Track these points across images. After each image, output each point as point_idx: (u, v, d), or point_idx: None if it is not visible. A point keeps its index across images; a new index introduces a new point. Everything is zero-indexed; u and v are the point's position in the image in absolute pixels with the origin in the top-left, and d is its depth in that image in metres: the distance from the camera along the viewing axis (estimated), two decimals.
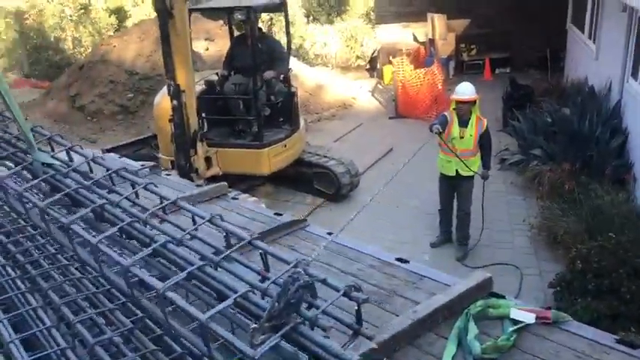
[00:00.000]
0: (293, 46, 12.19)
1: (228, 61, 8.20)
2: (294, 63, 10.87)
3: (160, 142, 7.92)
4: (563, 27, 13.54)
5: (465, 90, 6.32)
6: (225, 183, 4.63)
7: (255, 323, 1.41)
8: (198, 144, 7.08)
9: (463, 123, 6.31)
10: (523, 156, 8.79)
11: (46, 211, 1.96)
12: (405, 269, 2.97)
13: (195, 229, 1.90)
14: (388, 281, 2.85)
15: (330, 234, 3.48)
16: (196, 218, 2.01)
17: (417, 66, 13.16)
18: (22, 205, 2.16)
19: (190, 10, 7.28)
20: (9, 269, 2.82)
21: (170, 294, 1.54)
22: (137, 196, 2.10)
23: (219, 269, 1.71)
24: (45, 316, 2.39)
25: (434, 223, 7.00)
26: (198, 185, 5.03)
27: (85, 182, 2.15)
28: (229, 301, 1.48)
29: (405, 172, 8.98)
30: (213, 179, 6.84)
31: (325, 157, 8.38)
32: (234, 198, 4.44)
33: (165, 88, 7.02)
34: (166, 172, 5.55)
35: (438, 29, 14.77)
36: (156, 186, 2.14)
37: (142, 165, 5.27)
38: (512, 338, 2.28)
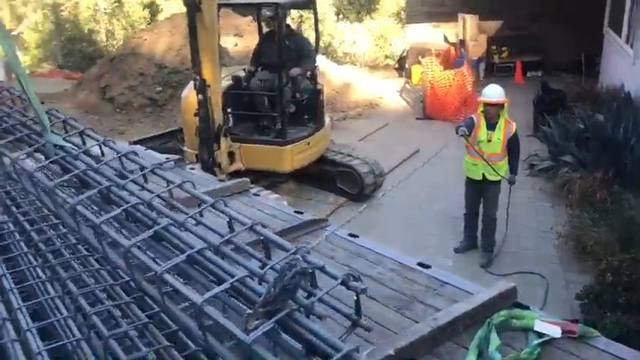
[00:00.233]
0: (322, 44, 12.19)
1: (256, 57, 8.20)
2: (321, 61, 10.86)
3: (185, 135, 7.96)
4: (599, 31, 13.23)
5: (494, 92, 6.20)
6: (248, 179, 4.62)
7: (251, 309, 1.40)
8: (222, 139, 7.09)
9: (491, 126, 6.20)
10: (553, 162, 8.61)
11: (55, 191, 1.95)
12: (426, 274, 2.91)
13: (201, 215, 1.88)
14: (409, 286, 2.80)
15: (351, 235, 3.43)
16: (201, 204, 1.98)
17: (447, 67, 13.00)
18: (33, 185, 2.17)
19: (219, 5, 7.30)
20: (30, 257, 2.84)
21: (167, 276, 1.53)
22: (146, 180, 2.08)
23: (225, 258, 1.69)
24: (62, 305, 2.40)
25: (458, 228, 6.89)
26: (220, 180, 5.02)
27: (94, 164, 2.14)
28: (225, 285, 1.47)
29: (432, 175, 8.91)
30: (235, 174, 6.84)
31: (349, 155, 8.32)
32: (255, 194, 4.42)
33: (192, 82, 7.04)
34: (191, 166, 5.56)
35: (469, 30, 14.59)
36: (163, 169, 2.12)
37: (167, 158, 5.29)
38: (536, 352, 2.21)
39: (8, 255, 2.87)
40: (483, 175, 6.28)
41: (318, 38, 8.43)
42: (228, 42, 12.88)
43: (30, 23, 20.74)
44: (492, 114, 6.17)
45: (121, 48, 15.00)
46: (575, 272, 6.11)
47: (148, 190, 2.06)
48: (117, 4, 20.07)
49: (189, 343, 2.12)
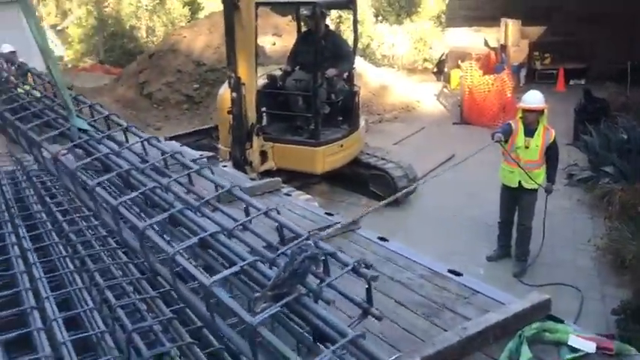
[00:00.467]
0: (360, 46, 12.12)
1: (293, 56, 8.19)
2: (359, 62, 10.79)
3: (220, 133, 8.00)
4: None
5: (533, 98, 6.06)
6: (279, 178, 4.61)
7: (259, 292, 1.40)
8: (255, 137, 7.09)
9: (529, 132, 6.05)
10: (593, 173, 8.37)
11: (76, 174, 1.98)
12: (457, 282, 2.83)
13: (218, 199, 1.88)
14: (438, 293, 2.73)
15: (381, 239, 3.38)
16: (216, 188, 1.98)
17: (487, 72, 12.79)
18: (56, 167, 2.21)
19: (257, 4, 7.30)
20: (61, 247, 2.88)
21: (179, 258, 1.53)
22: (167, 165, 2.07)
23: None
24: (89, 297, 2.41)
25: (492, 236, 6.75)
26: (251, 179, 5.01)
27: (117, 148, 2.16)
28: (235, 268, 1.47)
29: (467, 181, 8.75)
30: (267, 174, 6.84)
31: (383, 159, 8.24)
32: (286, 194, 4.40)
33: None
34: (224, 163, 5.58)
35: (510, 35, 14.34)
36: (183, 155, 2.12)
37: (201, 155, 5.31)
38: None
39: (40, 244, 2.92)
40: (519, 182, 6.14)
41: (356, 39, 8.37)
42: (267, 41, 12.94)
43: (74, 18, 21.25)
44: (531, 120, 6.03)
45: (160, 44, 15.23)
46: (612, 286, 5.92)
47: (167, 175, 2.06)
48: (158, 1, 20.42)
49: (214, 341, 2.11)
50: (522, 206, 6.29)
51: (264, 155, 7.38)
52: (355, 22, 8.32)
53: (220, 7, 6.86)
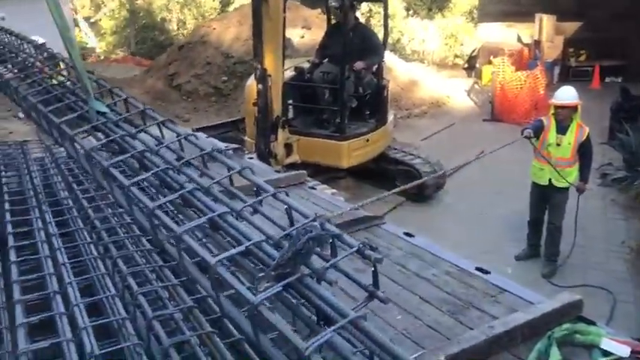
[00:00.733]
0: (390, 40, 11.99)
1: (321, 49, 8.12)
2: (389, 57, 10.67)
3: (246, 125, 8.00)
4: None
5: (566, 94, 5.90)
6: (305, 171, 4.57)
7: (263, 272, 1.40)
8: (280, 130, 7.06)
9: (561, 130, 5.90)
10: (628, 172, 8.15)
11: (91, 154, 2.01)
12: (484, 280, 2.76)
13: (231, 181, 1.89)
14: (465, 291, 2.66)
15: (407, 234, 3.31)
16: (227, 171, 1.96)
17: (519, 68, 12.56)
18: (74, 148, 2.24)
19: None
20: (86, 234, 2.89)
21: (186, 237, 1.53)
22: (182, 148, 2.08)
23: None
24: (111, 283, 2.41)
25: (521, 235, 6.61)
26: (276, 171, 4.99)
27: (131, 130, 2.18)
28: (240, 248, 1.47)
29: (496, 178, 8.61)
30: (292, 167, 6.81)
31: (411, 154, 8.13)
32: (312, 187, 4.36)
33: None
34: (249, 155, 5.57)
35: (545, 31, 14.04)
36: (197, 137, 2.11)
37: (227, 146, 5.31)
38: None
39: (65, 230, 2.94)
40: (550, 180, 6.00)
41: (386, 33, 8.26)
42: (295, 34, 12.90)
43: (107, 11, 21.56)
44: (564, 117, 5.87)
45: (189, 36, 15.33)
46: None
47: (182, 157, 2.05)
48: None
49: (234, 331, 2.08)
50: (553, 205, 6.14)
51: (289, 148, 7.35)
52: (386, 15, 8.21)
53: (250, 1, 6.84)
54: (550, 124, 5.95)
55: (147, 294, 2.26)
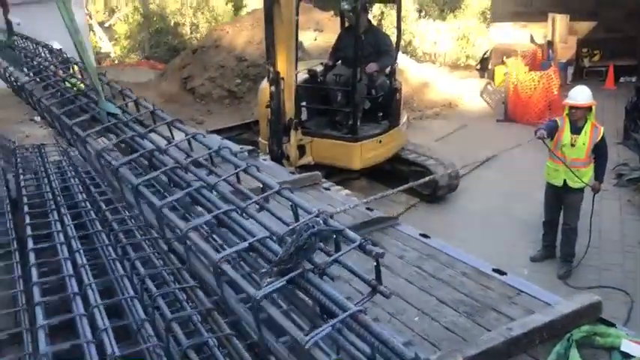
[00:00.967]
0: (402, 42, 11.95)
1: (334, 51, 8.13)
2: (401, 58, 10.65)
3: (260, 126, 8.03)
4: None
5: (580, 94, 5.85)
6: (319, 173, 4.58)
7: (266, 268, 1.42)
8: (292, 131, 7.08)
9: (576, 130, 5.85)
10: None
11: (102, 154, 2.04)
12: (501, 281, 2.75)
13: (238, 179, 1.90)
14: (482, 292, 2.65)
15: (422, 235, 3.31)
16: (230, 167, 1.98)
17: (533, 69, 12.46)
18: (85, 148, 2.27)
19: None
20: (104, 236, 2.92)
21: (192, 234, 1.55)
22: (191, 148, 2.12)
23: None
24: (130, 285, 2.44)
25: (536, 236, 6.56)
26: (291, 172, 5.00)
27: (140, 130, 2.21)
28: (244, 244, 1.49)
29: (510, 179, 8.55)
30: (306, 168, 6.82)
31: (424, 155, 8.11)
32: (326, 189, 4.37)
33: None
34: (263, 157, 5.59)
35: (558, 31, 13.92)
36: (204, 136, 2.14)
37: (241, 148, 5.34)
38: None
39: (84, 232, 2.97)
40: (565, 181, 5.95)
41: (399, 35, 8.26)
42: (308, 37, 12.93)
43: (121, 16, 21.73)
44: (578, 117, 5.83)
45: (203, 40, 15.40)
46: None
47: (189, 156, 2.07)
48: None
49: (252, 332, 2.09)
50: (567, 205, 6.09)
51: (301, 149, 7.37)
52: (399, 17, 8.20)
53: (262, 3, 6.87)
54: (564, 124, 5.91)
55: (165, 296, 2.29)
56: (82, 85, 2.91)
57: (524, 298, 2.60)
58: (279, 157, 6.99)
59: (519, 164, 8.69)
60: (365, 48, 7.43)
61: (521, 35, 15.36)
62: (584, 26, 14.52)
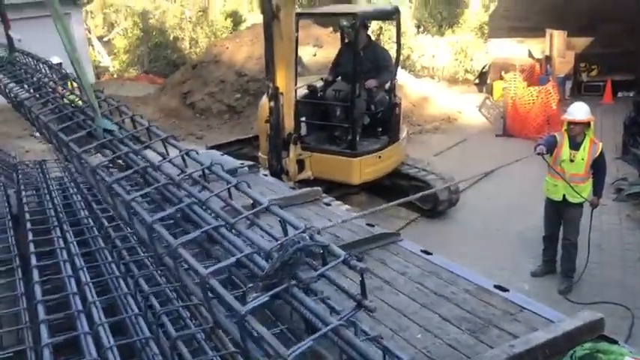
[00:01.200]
0: (401, 57, 12.03)
1: (334, 67, 8.20)
2: (399, 73, 10.73)
3: (260, 141, 8.06)
4: None
5: (578, 110, 5.90)
6: (320, 188, 4.59)
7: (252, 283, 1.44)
8: (292, 146, 7.12)
9: (575, 145, 5.89)
10: None
11: (97, 171, 2.07)
12: (503, 298, 2.75)
13: (229, 194, 1.92)
14: (484, 309, 2.65)
15: (424, 252, 3.31)
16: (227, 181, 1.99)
17: (531, 84, 12.56)
18: (80, 164, 2.30)
19: (299, 15, 7.33)
20: (107, 253, 2.92)
21: (181, 250, 1.57)
22: (185, 164, 2.14)
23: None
24: (134, 302, 2.44)
25: (536, 251, 6.58)
26: (291, 187, 5.02)
27: (135, 147, 2.24)
28: (231, 260, 1.51)
29: (510, 194, 8.58)
30: (305, 183, 6.84)
31: (424, 170, 8.14)
32: (326, 204, 4.38)
33: None
34: (264, 172, 5.61)
35: (556, 46, 14.04)
36: (197, 152, 2.16)
37: (242, 163, 5.36)
38: None
39: (87, 250, 2.97)
40: (564, 196, 5.98)
41: (399, 51, 8.34)
42: (307, 52, 13.02)
43: (120, 30, 21.86)
44: (577, 133, 5.88)
45: (203, 55, 15.50)
46: None
47: (183, 172, 2.09)
48: (201, 13, 20.83)
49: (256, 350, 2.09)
50: (567, 220, 6.12)
51: (301, 164, 7.40)
52: (398, 33, 8.27)
53: (262, 19, 6.93)
54: (563, 140, 5.95)
55: (169, 313, 2.29)
56: (80, 102, 2.94)
57: (526, 315, 2.61)
58: (278, 171, 7.01)
59: (519, 179, 8.73)
60: (364, 64, 7.49)
61: (519, 50, 15.50)
62: (582, 41, 14.65)
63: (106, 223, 3.15)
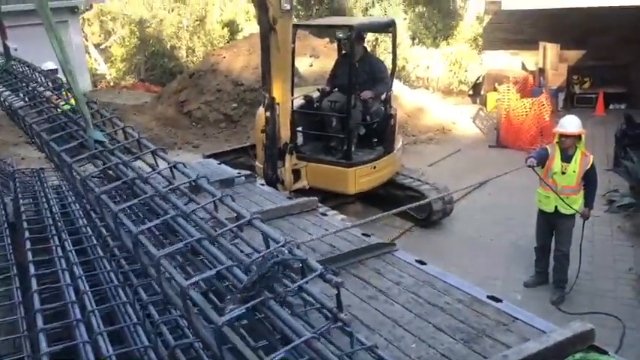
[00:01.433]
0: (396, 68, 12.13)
1: (331, 78, 8.27)
2: (394, 84, 10.83)
3: (257, 151, 8.11)
4: None
5: (570, 123, 5.98)
6: (316, 198, 4.64)
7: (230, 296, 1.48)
8: (287, 156, 7.16)
9: (566, 158, 5.97)
10: (634, 199, 8.16)
11: (86, 181, 2.11)
12: (496, 309, 2.80)
13: (214, 206, 1.97)
14: (477, 319, 2.69)
15: (419, 262, 3.36)
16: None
17: (524, 95, 12.68)
18: (71, 175, 2.34)
19: (296, 27, 7.39)
20: (105, 262, 2.95)
21: (163, 262, 1.60)
22: (174, 176, 2.18)
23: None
24: (132, 311, 2.46)
25: (529, 261, 6.63)
26: (288, 197, 5.06)
27: (125, 158, 2.28)
28: (211, 272, 1.55)
29: (503, 204, 8.65)
30: (300, 192, 6.89)
31: (419, 180, 8.20)
32: (323, 214, 4.42)
33: None
34: (261, 182, 5.65)
35: (549, 58, 14.19)
36: (185, 166, 2.20)
37: (239, 173, 5.40)
38: None
39: (85, 258, 3.00)
40: (556, 207, 6.05)
41: (395, 63, 8.40)
42: (304, 62, 13.09)
43: (117, 38, 21.91)
44: (568, 145, 5.96)
45: (200, 64, 15.56)
46: None
47: (171, 183, 2.13)
48: (198, 22, 20.91)
49: None
50: (559, 232, 6.18)
51: (296, 174, 7.44)
52: (394, 45, 8.35)
53: (258, 29, 6.99)
54: (555, 152, 6.03)
55: (167, 322, 2.32)
56: (71, 113, 2.98)
57: (519, 326, 2.65)
58: (273, 181, 7.05)
59: (512, 190, 8.80)
60: (360, 75, 7.56)
61: (512, 62, 15.66)
62: (575, 54, 14.81)
63: (105, 232, 3.18)
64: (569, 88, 14.96)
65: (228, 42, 19.48)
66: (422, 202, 7.06)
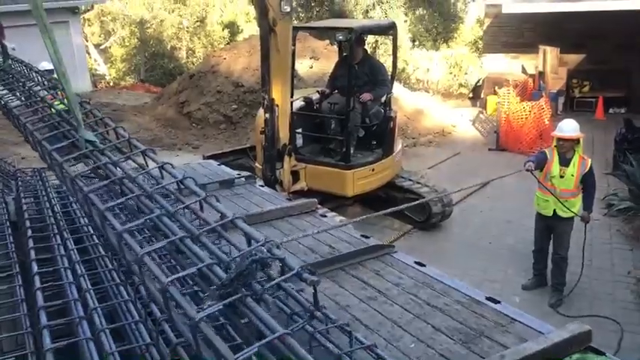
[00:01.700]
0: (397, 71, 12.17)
1: (332, 80, 8.29)
2: (394, 87, 10.86)
3: (257, 152, 8.12)
4: None
5: (568, 127, 6.02)
6: (315, 199, 4.65)
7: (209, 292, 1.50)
8: (286, 158, 7.17)
9: (564, 161, 6.00)
10: (633, 203, 8.18)
11: (75, 180, 2.15)
12: (495, 310, 2.81)
13: (200, 208, 2.00)
14: (476, 320, 2.71)
15: (418, 263, 3.38)
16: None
17: (524, 99, 12.71)
18: (62, 174, 2.38)
19: (296, 29, 7.41)
20: (107, 260, 2.97)
21: (146, 259, 1.64)
22: (162, 176, 2.22)
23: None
24: (134, 309, 2.49)
25: (527, 264, 6.65)
26: (287, 199, 5.08)
27: (114, 158, 2.32)
28: (191, 269, 1.58)
29: (502, 207, 8.67)
30: (299, 194, 6.90)
31: (418, 183, 8.22)
32: (322, 215, 4.44)
33: None
34: (261, 183, 5.67)
35: (549, 62, 14.22)
36: (173, 166, 2.25)
37: (239, 174, 5.42)
38: None
39: (87, 257, 3.02)
40: (554, 211, 6.08)
41: (395, 65, 8.42)
42: (304, 64, 13.12)
43: (117, 38, 21.94)
44: (566, 149, 5.99)
45: (200, 65, 15.60)
46: None
47: (157, 181, 2.17)
48: (199, 23, 20.95)
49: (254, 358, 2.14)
50: (557, 235, 6.20)
51: (295, 175, 7.45)
52: (395, 48, 8.36)
53: (258, 31, 7.00)
54: (553, 156, 6.06)
55: (169, 320, 2.34)
56: (64, 113, 3.01)
57: (517, 327, 2.67)
58: (272, 182, 7.07)
59: (511, 192, 8.82)
60: (360, 77, 7.58)
61: (512, 65, 15.69)
62: (574, 58, 14.84)
63: None
64: (568, 91, 14.99)
65: (228, 43, 19.51)
66: (418, 201, 7.06)
